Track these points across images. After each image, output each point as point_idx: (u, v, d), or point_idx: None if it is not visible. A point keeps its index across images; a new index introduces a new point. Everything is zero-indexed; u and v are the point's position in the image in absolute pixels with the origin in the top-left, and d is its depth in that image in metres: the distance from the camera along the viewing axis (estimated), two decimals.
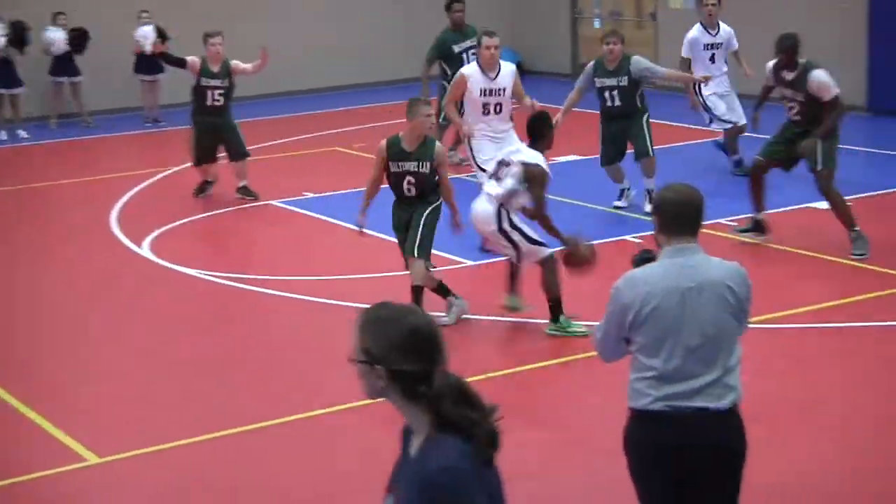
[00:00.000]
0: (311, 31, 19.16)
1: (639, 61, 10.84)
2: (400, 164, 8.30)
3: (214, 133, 12.30)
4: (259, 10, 18.84)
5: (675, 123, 14.80)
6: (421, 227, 8.28)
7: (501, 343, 8.33)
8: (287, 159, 14.68)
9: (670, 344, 4.23)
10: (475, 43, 12.53)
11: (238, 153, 12.41)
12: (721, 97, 12.17)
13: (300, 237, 11.24)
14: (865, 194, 11.18)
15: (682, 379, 4.23)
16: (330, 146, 15.18)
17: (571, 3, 19.60)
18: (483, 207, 8.25)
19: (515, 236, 8.13)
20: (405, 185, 8.35)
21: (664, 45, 17.76)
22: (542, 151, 8.19)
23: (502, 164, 8.24)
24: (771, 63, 9.64)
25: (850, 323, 8.15)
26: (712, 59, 12.19)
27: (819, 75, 9.40)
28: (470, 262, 9.82)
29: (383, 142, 8.42)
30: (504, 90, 10.23)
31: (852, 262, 9.32)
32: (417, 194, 8.34)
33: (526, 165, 8.02)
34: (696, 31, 12.26)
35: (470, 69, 10.45)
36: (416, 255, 8.26)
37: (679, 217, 4.31)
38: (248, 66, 12.56)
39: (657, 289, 4.23)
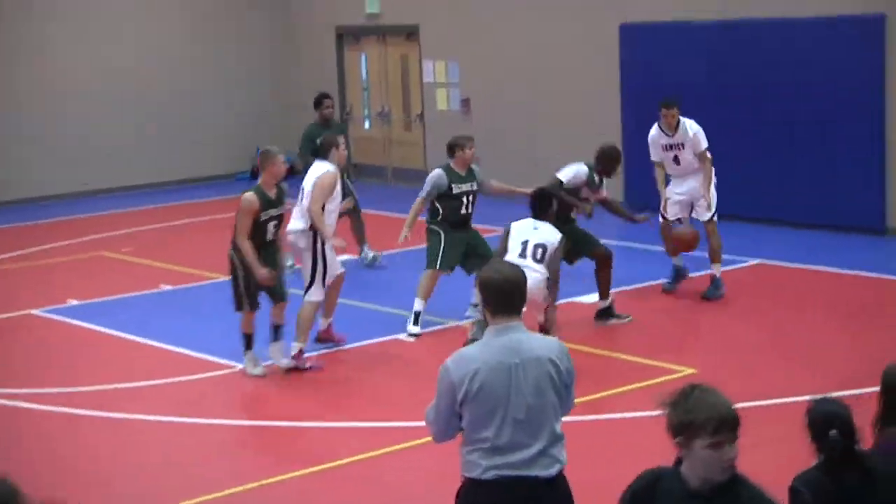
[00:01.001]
0: (74, 132, 18.70)
1: (477, 169, 10.67)
2: (269, 211, 9.19)
3: None
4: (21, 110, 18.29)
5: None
6: (283, 276, 9.57)
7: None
8: (50, 266, 14.15)
9: (499, 417, 4.47)
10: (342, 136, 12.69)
11: None
12: (675, 202, 11.38)
13: (64, 346, 10.82)
14: (629, 287, 11.63)
15: (511, 450, 4.49)
16: (95, 251, 14.77)
17: (341, 104, 19.87)
18: (532, 280, 8.10)
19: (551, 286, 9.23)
20: (271, 230, 9.25)
21: (431, 145, 18.21)
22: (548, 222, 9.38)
23: (537, 246, 9.17)
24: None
25: (617, 414, 8.42)
26: (676, 160, 11.34)
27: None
28: (240, 366, 9.68)
29: (251, 195, 9.09)
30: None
31: (613, 354, 9.67)
32: (276, 235, 9.32)
33: (560, 242, 9.27)
34: (653, 129, 11.43)
35: (335, 168, 9.81)
36: (286, 299, 9.44)
37: (501, 296, 4.57)
38: None
39: (485, 365, 4.48)
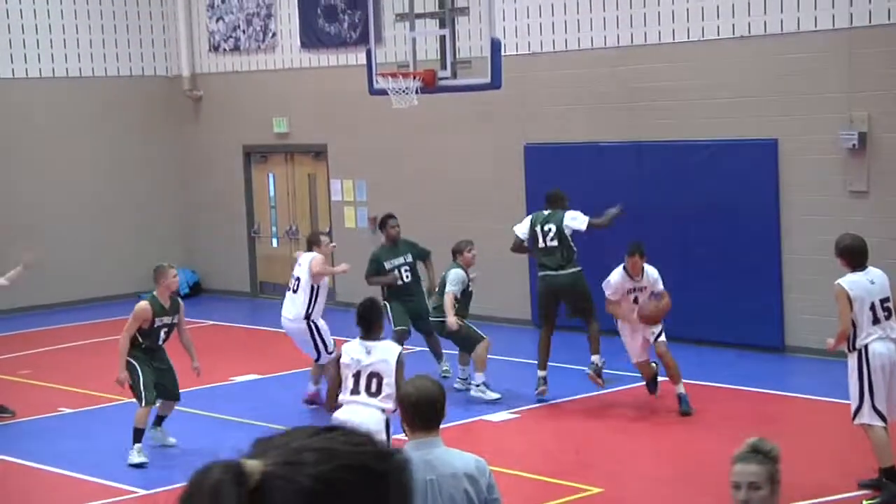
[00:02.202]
0: None
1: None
2: (161, 319, 10.32)
3: None
4: None
5: None
6: (175, 376, 10.48)
7: None
8: None
9: None
10: (409, 259, 13.11)
11: None
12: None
13: None
14: (536, 405, 11.65)
15: None
16: None
17: (248, 222, 19.85)
18: (371, 420, 7.75)
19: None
20: (162, 336, 10.35)
21: (339, 262, 18.20)
22: (379, 337, 8.23)
23: (371, 376, 7.97)
24: None
25: None
26: (636, 300, 11.62)
27: None
28: (143, 491, 9.45)
29: (145, 303, 10.30)
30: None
31: (519, 474, 9.65)
32: (165, 341, 10.37)
33: (398, 359, 8.02)
34: (618, 274, 11.53)
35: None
36: (177, 398, 10.54)
37: (418, 412, 4.61)
38: None
39: None
